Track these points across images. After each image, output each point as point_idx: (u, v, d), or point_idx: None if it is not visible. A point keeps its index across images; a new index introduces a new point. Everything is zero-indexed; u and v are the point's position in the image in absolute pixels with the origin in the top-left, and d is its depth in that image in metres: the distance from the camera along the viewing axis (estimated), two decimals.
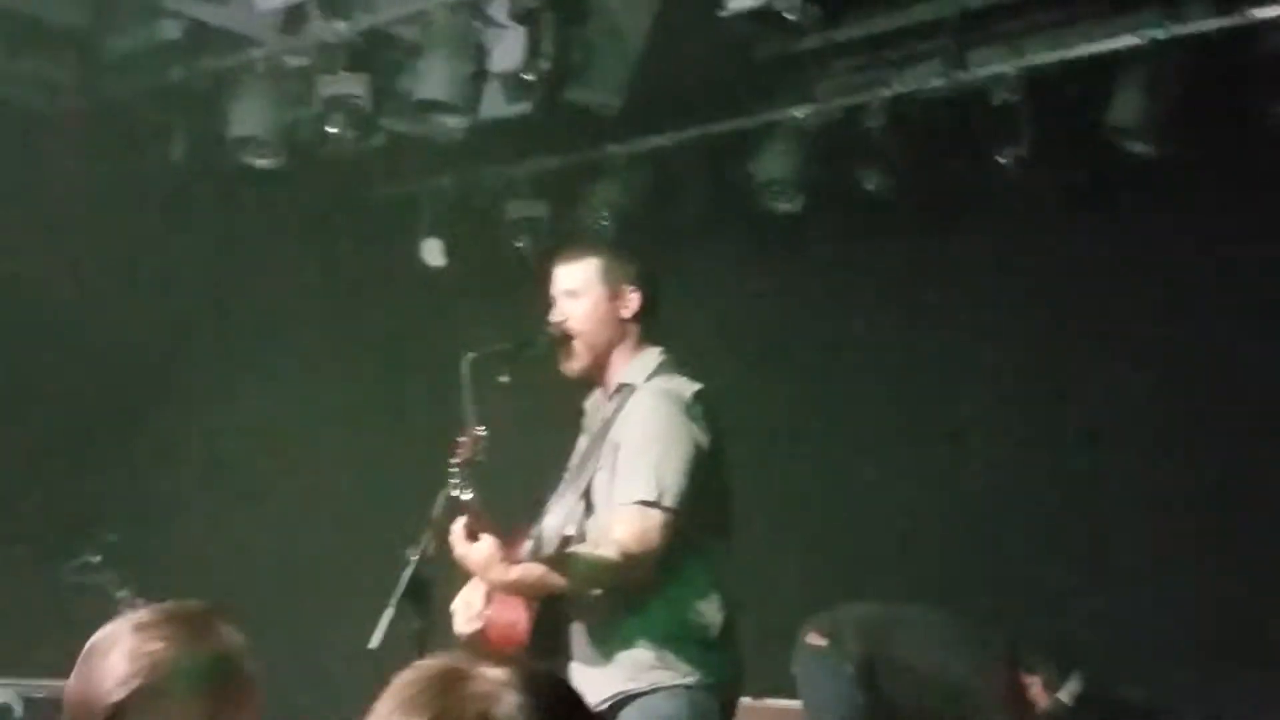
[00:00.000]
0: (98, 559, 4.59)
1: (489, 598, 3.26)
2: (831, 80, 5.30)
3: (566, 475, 3.44)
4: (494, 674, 1.16)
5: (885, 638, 4.84)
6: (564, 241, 4.98)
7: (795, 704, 4.89)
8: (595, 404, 3.47)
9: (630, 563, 3.12)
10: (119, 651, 1.59)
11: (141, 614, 1.65)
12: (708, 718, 3.20)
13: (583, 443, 3.47)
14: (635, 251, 3.58)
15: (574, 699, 1.19)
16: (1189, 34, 4.59)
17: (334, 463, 5.92)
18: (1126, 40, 4.69)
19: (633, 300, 3.38)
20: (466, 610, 3.25)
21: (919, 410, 5.45)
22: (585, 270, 3.38)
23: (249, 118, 5.26)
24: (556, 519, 3.32)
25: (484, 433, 3.09)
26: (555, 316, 3.39)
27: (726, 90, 5.37)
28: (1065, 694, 4.87)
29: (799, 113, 5.25)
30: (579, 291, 3.37)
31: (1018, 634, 4.93)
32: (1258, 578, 4.71)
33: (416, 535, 3.12)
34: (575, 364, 3.38)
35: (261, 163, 5.33)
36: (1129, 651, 4.94)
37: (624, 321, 3.38)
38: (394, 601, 3.00)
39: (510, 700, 1.13)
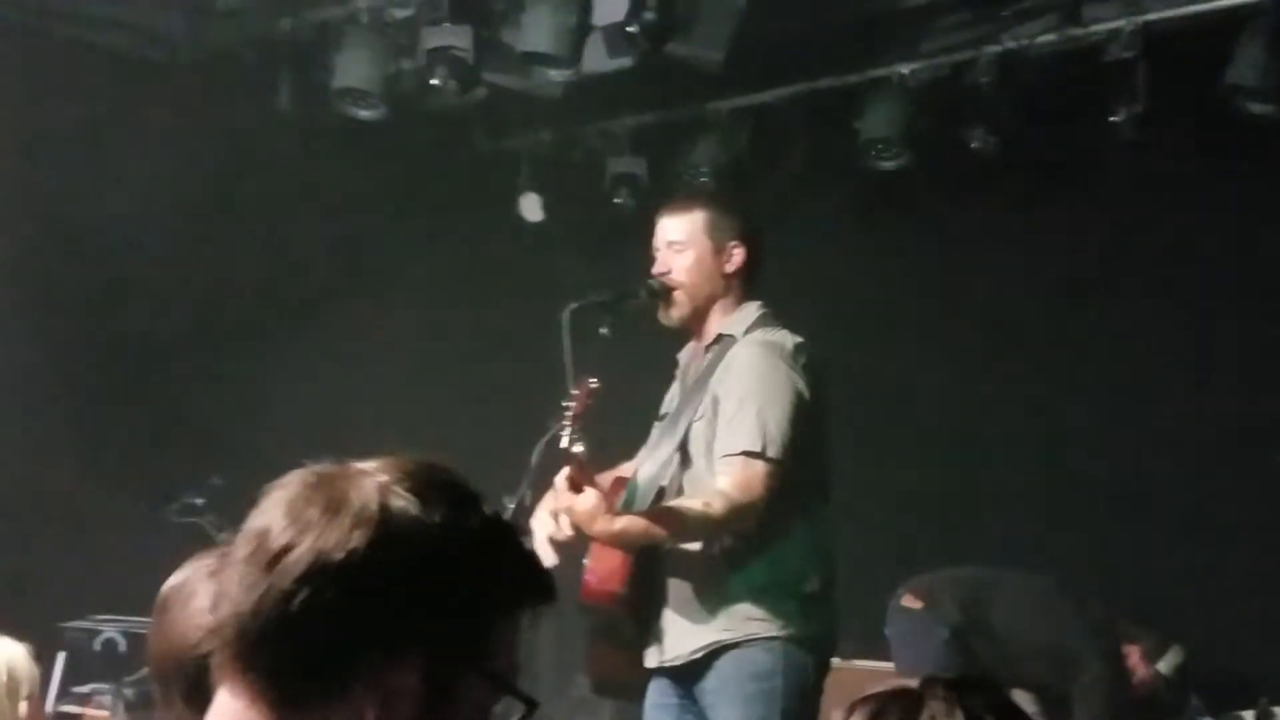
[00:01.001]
0: (200, 501, 4.69)
1: (589, 550, 3.27)
2: (939, 36, 5.19)
3: (660, 426, 3.44)
4: (378, 468, 1.16)
5: (984, 603, 4.79)
6: (663, 198, 4.95)
7: (884, 665, 4.86)
8: (691, 355, 3.46)
9: (735, 514, 3.12)
10: (200, 600, 1.58)
11: (213, 558, 1.63)
12: (802, 671, 3.19)
13: (676, 393, 3.46)
14: (741, 206, 3.55)
15: (456, 482, 1.19)
16: None
17: (433, 413, 5.98)
18: None
19: (737, 255, 3.37)
20: (550, 524, 3.18)
21: (1021, 371, 5.36)
22: (692, 223, 3.37)
23: (352, 69, 5.30)
24: (651, 470, 3.32)
25: (597, 384, 3.09)
26: (659, 268, 3.38)
27: (831, 45, 5.28)
28: (1164, 664, 4.80)
29: (905, 69, 5.16)
30: (684, 244, 3.36)
31: (1118, 602, 4.86)
32: None
33: (515, 485, 3.14)
34: (675, 313, 3.37)
35: (364, 114, 5.37)
36: (1230, 623, 4.85)
37: (727, 276, 3.37)
38: None
39: (401, 489, 1.14)
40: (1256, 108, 4.53)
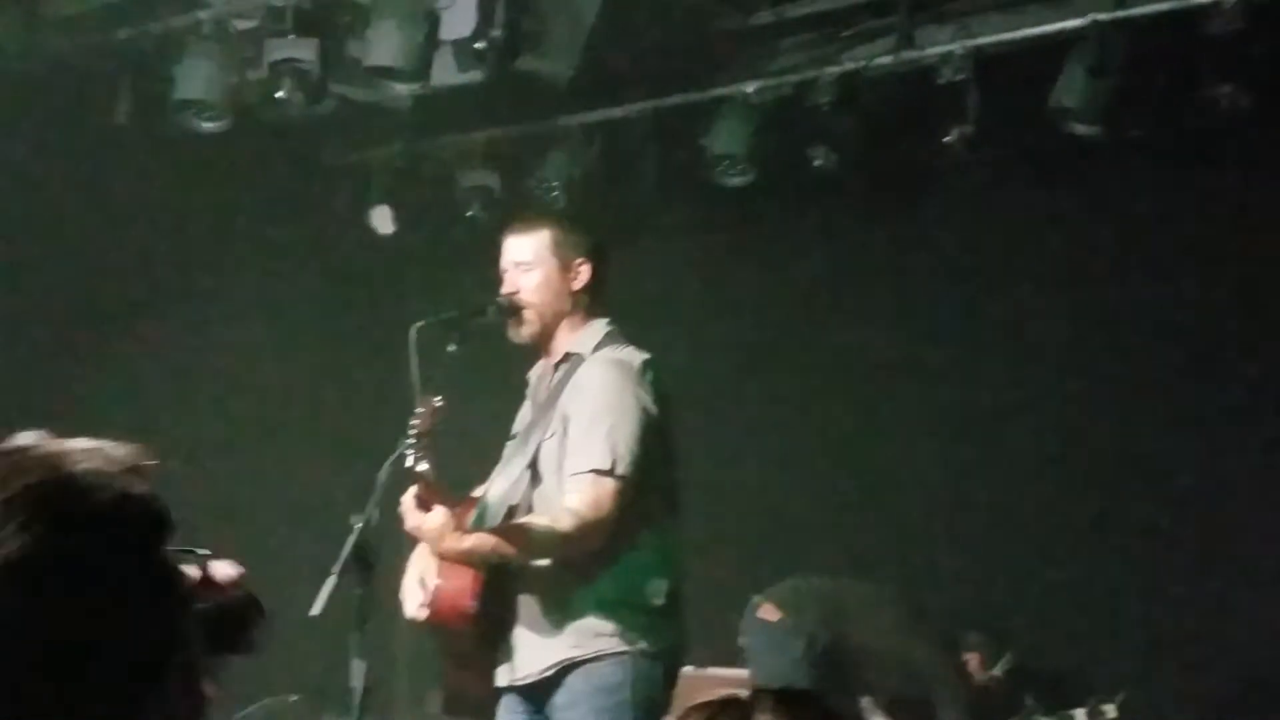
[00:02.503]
0: None
1: (437, 566, 3.27)
2: (782, 56, 5.31)
3: (511, 444, 3.46)
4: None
5: (840, 615, 4.92)
6: (515, 211, 4.98)
7: (737, 673, 4.94)
8: (540, 373, 3.50)
9: (584, 531, 3.16)
10: None
11: None
12: (651, 683, 3.25)
13: (527, 412, 3.49)
14: (586, 223, 3.59)
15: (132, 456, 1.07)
16: (1133, 16, 4.65)
17: (279, 429, 5.89)
18: (1071, 22, 4.74)
19: (583, 272, 3.41)
20: (420, 593, 3.26)
21: (861, 385, 5.51)
22: (537, 242, 3.40)
23: (194, 80, 5.19)
24: (502, 488, 3.35)
25: (441, 403, 3.10)
26: (507, 288, 3.40)
27: (678, 63, 5.37)
28: (1000, 667, 5.01)
29: (749, 88, 5.27)
30: (531, 264, 3.38)
31: (953, 609, 5.06)
32: (1177, 563, 4.86)
33: (362, 503, 3.13)
34: (524, 331, 3.40)
35: (207, 126, 5.27)
36: (1060, 626, 5.07)
37: (574, 293, 3.41)
38: (337, 569, 3.02)
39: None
40: (1080, 128, 4.73)
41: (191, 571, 1.18)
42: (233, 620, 1.23)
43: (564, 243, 3.40)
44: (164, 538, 1.06)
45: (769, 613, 4.93)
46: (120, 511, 1.03)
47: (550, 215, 3.88)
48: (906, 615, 4.97)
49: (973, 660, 5.01)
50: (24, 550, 0.98)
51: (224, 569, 1.25)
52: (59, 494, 1.02)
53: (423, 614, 3.25)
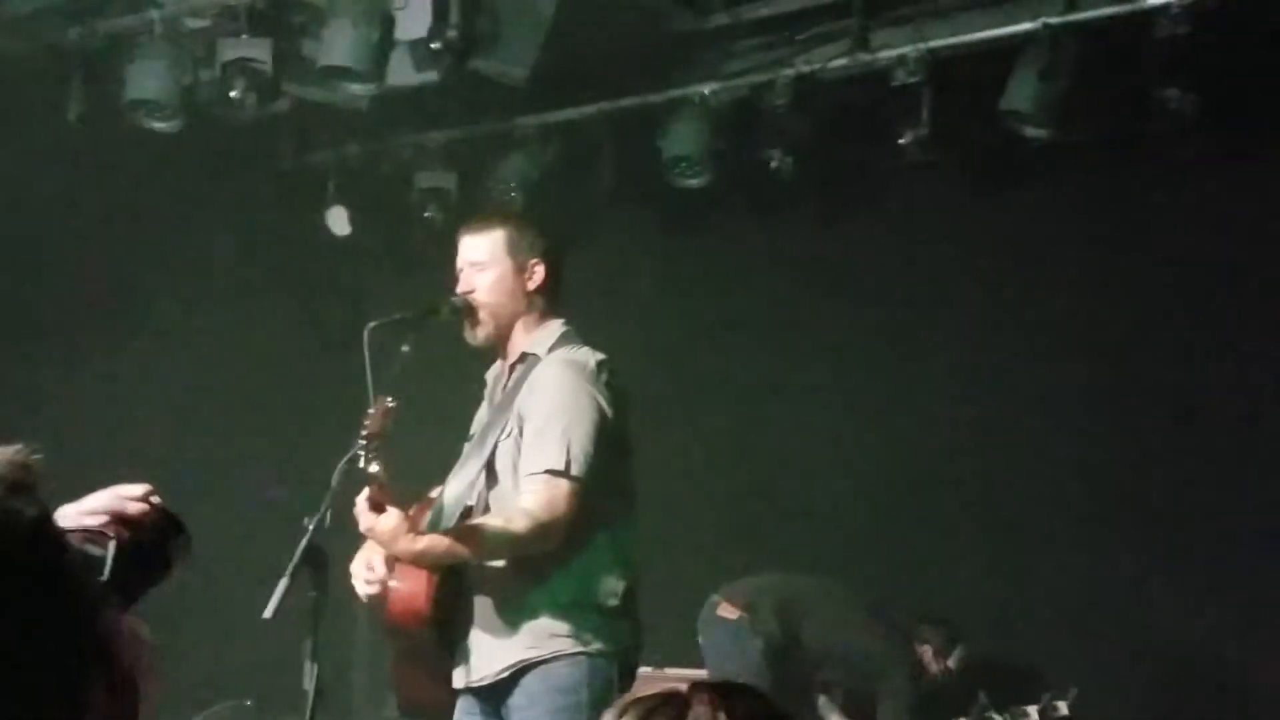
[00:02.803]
0: None
1: (391, 567, 3.26)
2: (737, 58, 5.34)
3: (467, 445, 3.45)
4: None
5: (798, 612, 4.96)
6: (473, 212, 4.97)
7: (697, 672, 4.96)
8: (497, 374, 3.49)
9: (539, 532, 3.15)
10: None
11: None
12: (607, 684, 3.25)
13: (484, 413, 3.48)
14: (542, 223, 3.59)
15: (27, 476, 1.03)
16: (1083, 20, 4.70)
17: (232, 429, 5.86)
18: (1022, 25, 4.79)
19: (538, 273, 3.40)
20: (367, 572, 3.24)
21: (818, 385, 5.55)
22: (492, 242, 3.39)
23: (146, 80, 5.17)
24: (458, 489, 3.33)
25: (394, 403, 3.08)
26: (461, 288, 3.39)
27: (635, 64, 5.38)
28: (953, 660, 5.06)
29: (705, 89, 5.29)
30: (485, 264, 3.37)
31: (908, 602, 5.10)
32: (1126, 560, 4.92)
33: (314, 505, 3.12)
34: (479, 333, 3.39)
35: (159, 126, 5.23)
36: (1015, 623, 5.12)
37: (530, 293, 3.40)
38: (289, 571, 3.00)
39: None
40: (1031, 131, 4.78)
41: (97, 543, 1.15)
42: (151, 548, 1.20)
43: (519, 243, 3.39)
44: (60, 552, 1.03)
45: (727, 611, 4.96)
46: (13, 541, 1.00)
47: (505, 215, 3.86)
48: (862, 610, 5.01)
49: (927, 652, 5.06)
50: None
51: (131, 502, 1.21)
52: None
53: (374, 589, 3.21)
